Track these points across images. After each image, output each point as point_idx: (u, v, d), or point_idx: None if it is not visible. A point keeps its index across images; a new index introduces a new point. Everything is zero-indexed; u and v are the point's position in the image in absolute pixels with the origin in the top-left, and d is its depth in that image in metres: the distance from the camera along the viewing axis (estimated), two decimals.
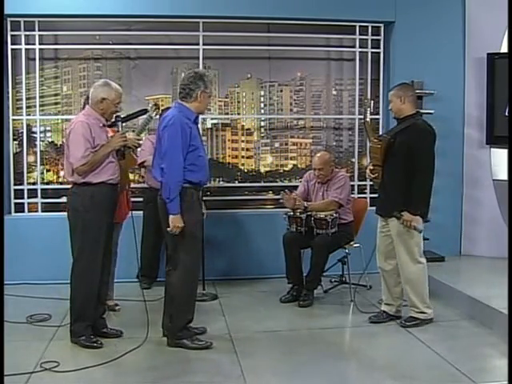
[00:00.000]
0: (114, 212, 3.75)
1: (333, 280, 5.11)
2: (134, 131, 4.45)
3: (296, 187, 5.07)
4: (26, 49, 5.38)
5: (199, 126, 4.02)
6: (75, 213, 3.65)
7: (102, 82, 3.74)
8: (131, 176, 5.60)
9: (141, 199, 5.31)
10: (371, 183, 4.34)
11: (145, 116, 4.47)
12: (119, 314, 4.34)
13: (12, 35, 5.34)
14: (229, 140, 5.82)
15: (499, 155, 5.45)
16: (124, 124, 4.00)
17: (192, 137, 3.63)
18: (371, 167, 4.07)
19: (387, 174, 3.98)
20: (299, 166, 5.90)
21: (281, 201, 4.73)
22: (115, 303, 4.42)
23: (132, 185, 5.58)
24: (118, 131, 3.78)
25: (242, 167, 5.84)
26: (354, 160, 5.86)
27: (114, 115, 3.76)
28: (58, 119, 5.57)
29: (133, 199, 5.37)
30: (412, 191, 3.90)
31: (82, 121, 3.62)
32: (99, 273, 3.68)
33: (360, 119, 4.07)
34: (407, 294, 4.07)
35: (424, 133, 3.98)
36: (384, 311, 4.18)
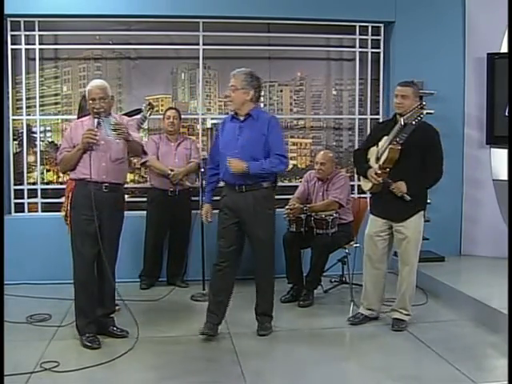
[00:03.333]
0: (99, 210, 3.65)
1: (333, 280, 5.11)
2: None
3: (296, 187, 5.08)
4: (26, 49, 5.38)
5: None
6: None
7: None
8: (131, 176, 5.61)
9: (141, 199, 5.33)
10: (368, 189, 4.04)
11: (138, 116, 4.46)
12: (119, 314, 4.33)
13: (12, 35, 5.33)
14: None
15: (499, 155, 5.45)
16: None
17: (220, 135, 3.89)
18: (379, 171, 3.85)
19: (402, 176, 3.83)
20: (299, 166, 5.90)
21: (284, 215, 4.70)
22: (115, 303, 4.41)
23: (132, 185, 5.61)
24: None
25: None
26: None
27: (96, 112, 3.63)
28: (58, 119, 5.57)
29: (134, 199, 5.43)
30: (425, 178, 3.89)
31: (72, 122, 3.78)
32: (88, 270, 3.69)
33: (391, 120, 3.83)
34: (404, 297, 4.00)
35: (435, 131, 3.98)
36: (363, 314, 4.14)
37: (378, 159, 3.91)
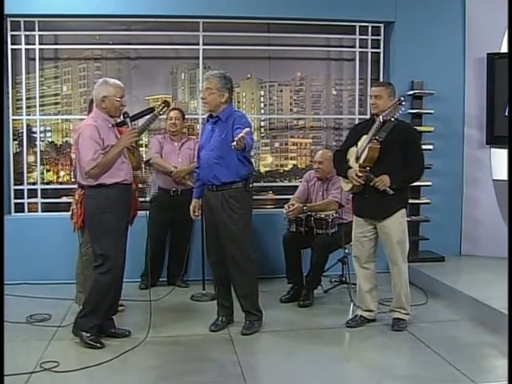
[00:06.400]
0: (129, 212, 3.75)
1: (333, 280, 5.11)
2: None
3: (296, 187, 5.08)
4: (26, 49, 5.38)
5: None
6: (92, 216, 3.65)
7: (100, 82, 3.72)
8: None
9: (141, 199, 5.33)
10: (348, 189, 4.07)
11: (149, 116, 4.45)
12: (121, 314, 4.32)
13: (12, 35, 5.34)
14: None
15: (499, 155, 5.45)
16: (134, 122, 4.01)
17: (201, 135, 4.08)
18: (360, 173, 3.85)
19: (383, 173, 3.83)
20: (299, 166, 5.90)
21: (285, 216, 4.72)
22: (120, 303, 4.39)
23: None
24: (127, 127, 3.75)
25: None
26: None
27: (122, 112, 3.71)
28: (57, 119, 5.57)
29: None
30: (408, 172, 3.91)
31: (89, 124, 3.61)
32: (120, 275, 3.68)
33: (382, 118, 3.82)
34: (399, 297, 4.00)
35: (413, 129, 4.08)
36: (362, 316, 4.13)
37: (357, 159, 3.91)
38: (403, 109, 3.78)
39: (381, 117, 3.80)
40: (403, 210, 3.98)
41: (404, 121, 4.06)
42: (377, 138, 3.79)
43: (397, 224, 3.94)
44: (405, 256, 3.99)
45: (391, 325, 4.02)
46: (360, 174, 3.86)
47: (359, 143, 3.94)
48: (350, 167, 3.96)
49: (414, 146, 3.94)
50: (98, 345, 3.63)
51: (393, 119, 3.75)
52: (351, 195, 4.20)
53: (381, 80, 5.75)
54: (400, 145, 3.86)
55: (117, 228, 3.61)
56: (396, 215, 3.93)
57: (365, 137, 3.89)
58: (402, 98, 3.77)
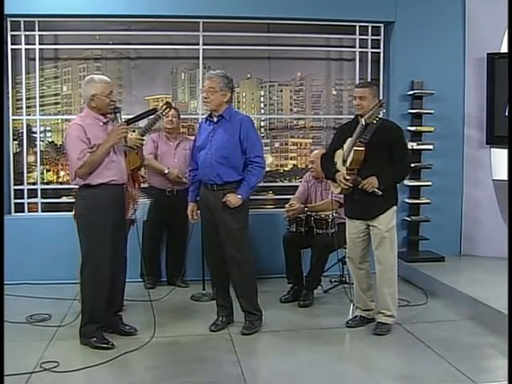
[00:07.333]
0: (121, 212, 3.72)
1: (333, 280, 5.12)
2: (134, 131, 4.43)
3: (296, 187, 5.08)
4: (25, 49, 5.38)
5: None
6: (80, 216, 3.64)
7: (86, 80, 3.68)
8: None
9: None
10: (338, 192, 4.09)
11: (152, 116, 4.46)
12: (123, 314, 4.32)
13: (12, 35, 5.34)
14: None
15: (499, 155, 5.45)
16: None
17: (197, 137, 4.02)
18: (347, 176, 3.85)
19: (371, 174, 3.83)
20: (299, 165, 5.90)
21: (285, 216, 4.73)
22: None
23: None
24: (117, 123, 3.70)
25: None
26: None
27: (112, 108, 3.66)
28: (57, 119, 5.57)
29: None
30: (395, 172, 3.92)
31: (75, 123, 3.59)
32: (108, 274, 3.64)
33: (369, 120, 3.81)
34: (384, 296, 3.97)
35: (398, 128, 4.04)
36: (361, 316, 4.13)
37: (344, 162, 3.93)
38: (384, 110, 3.78)
39: (362, 120, 3.81)
40: (394, 208, 3.99)
41: (389, 120, 4.07)
42: (361, 140, 3.80)
43: (386, 222, 3.93)
44: (394, 254, 3.99)
45: (373, 328, 3.98)
46: (348, 178, 3.87)
47: (345, 146, 3.96)
48: (338, 171, 3.98)
49: (400, 146, 3.96)
50: (109, 345, 3.63)
51: (374, 122, 3.77)
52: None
53: (381, 80, 5.76)
54: (387, 144, 3.87)
55: (103, 229, 3.58)
56: (386, 213, 3.93)
57: (350, 139, 3.91)
58: (383, 100, 3.81)
